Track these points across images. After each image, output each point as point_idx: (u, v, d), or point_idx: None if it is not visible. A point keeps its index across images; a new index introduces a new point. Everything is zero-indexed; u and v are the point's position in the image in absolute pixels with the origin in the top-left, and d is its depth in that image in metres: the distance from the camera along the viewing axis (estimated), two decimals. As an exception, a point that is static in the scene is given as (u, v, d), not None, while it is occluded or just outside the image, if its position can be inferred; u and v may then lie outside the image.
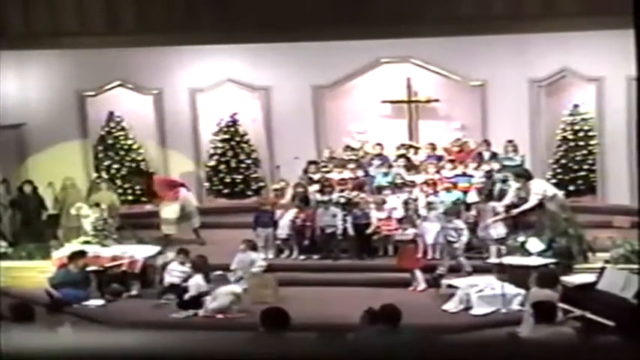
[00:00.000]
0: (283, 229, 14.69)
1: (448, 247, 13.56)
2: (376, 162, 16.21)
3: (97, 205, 15.32)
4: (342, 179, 15.48)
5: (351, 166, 15.98)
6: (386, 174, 15.74)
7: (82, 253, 13.69)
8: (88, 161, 18.07)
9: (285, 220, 14.68)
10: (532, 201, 13.81)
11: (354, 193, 14.89)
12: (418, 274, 13.40)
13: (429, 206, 14.32)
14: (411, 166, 15.94)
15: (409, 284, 13.38)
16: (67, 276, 13.34)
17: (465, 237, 13.56)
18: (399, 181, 15.18)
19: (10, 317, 8.06)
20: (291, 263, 14.53)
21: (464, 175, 15.50)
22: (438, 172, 15.55)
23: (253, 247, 13.94)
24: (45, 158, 17.50)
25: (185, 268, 13.33)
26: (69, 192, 16.39)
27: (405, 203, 14.45)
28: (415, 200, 14.59)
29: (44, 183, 16.70)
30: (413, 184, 15.05)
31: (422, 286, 13.33)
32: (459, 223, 13.61)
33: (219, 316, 12.30)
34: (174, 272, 13.41)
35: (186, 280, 13.11)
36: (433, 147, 16.58)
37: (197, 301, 12.58)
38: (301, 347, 1.75)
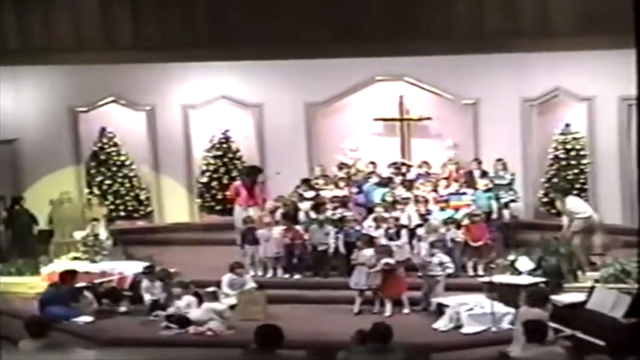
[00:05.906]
0: (271, 249, 14.57)
1: (429, 281, 13.18)
2: (373, 179, 16.15)
3: (95, 219, 15.31)
4: (335, 197, 15.43)
5: (342, 184, 15.94)
6: (379, 187, 15.69)
7: (73, 273, 13.59)
8: (80, 177, 18.02)
9: (272, 239, 14.58)
10: (578, 223, 13.85)
11: (339, 210, 14.83)
12: (404, 298, 13.25)
13: (428, 226, 14.27)
14: (404, 184, 15.88)
15: (400, 303, 13.24)
16: (58, 293, 13.26)
17: (450, 269, 13.32)
18: (390, 198, 15.08)
19: (25, 332, 8.06)
20: (280, 280, 14.46)
21: (457, 193, 15.50)
22: (434, 190, 15.52)
23: (240, 266, 13.85)
24: (39, 174, 17.46)
25: (157, 284, 13.37)
26: (65, 206, 16.34)
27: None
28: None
29: (38, 199, 16.63)
30: (406, 202, 15.00)
31: (406, 310, 13.18)
32: (443, 257, 13.31)
33: (191, 329, 12.28)
34: (151, 290, 13.40)
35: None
36: (427, 165, 16.57)
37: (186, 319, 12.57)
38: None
